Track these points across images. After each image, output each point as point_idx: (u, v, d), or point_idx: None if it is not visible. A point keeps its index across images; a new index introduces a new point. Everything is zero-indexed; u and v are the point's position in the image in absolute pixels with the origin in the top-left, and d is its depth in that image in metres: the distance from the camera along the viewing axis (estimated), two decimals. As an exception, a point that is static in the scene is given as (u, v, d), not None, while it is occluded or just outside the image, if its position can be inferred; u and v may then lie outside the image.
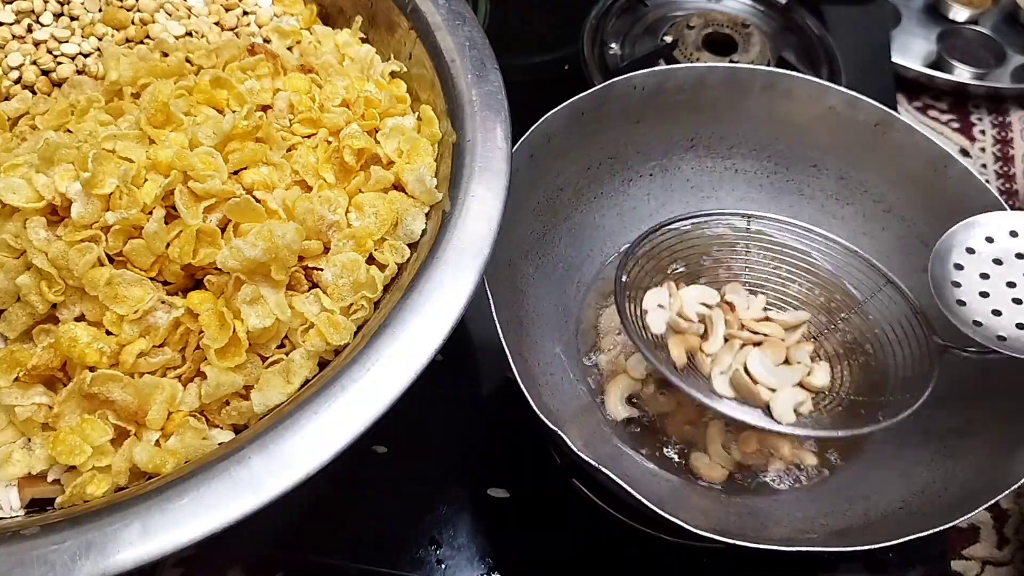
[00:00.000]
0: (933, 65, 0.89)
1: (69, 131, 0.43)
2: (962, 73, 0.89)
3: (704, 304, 0.54)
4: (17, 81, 0.48)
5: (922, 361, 0.50)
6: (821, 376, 0.51)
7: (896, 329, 0.52)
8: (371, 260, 0.42)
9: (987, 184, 0.55)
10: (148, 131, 0.42)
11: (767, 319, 0.55)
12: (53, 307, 0.39)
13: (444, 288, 0.38)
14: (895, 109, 0.71)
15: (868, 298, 0.55)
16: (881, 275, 0.53)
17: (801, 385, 0.50)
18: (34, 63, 0.49)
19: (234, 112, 0.44)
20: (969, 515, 0.42)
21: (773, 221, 0.56)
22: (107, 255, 0.39)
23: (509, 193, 0.43)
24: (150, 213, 0.39)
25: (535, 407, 0.44)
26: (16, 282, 0.38)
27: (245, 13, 0.55)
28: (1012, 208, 0.54)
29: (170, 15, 0.52)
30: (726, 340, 0.52)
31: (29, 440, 0.38)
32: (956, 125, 0.88)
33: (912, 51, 0.90)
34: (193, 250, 0.39)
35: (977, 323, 0.46)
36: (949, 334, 0.48)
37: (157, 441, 0.38)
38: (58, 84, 0.49)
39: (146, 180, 0.40)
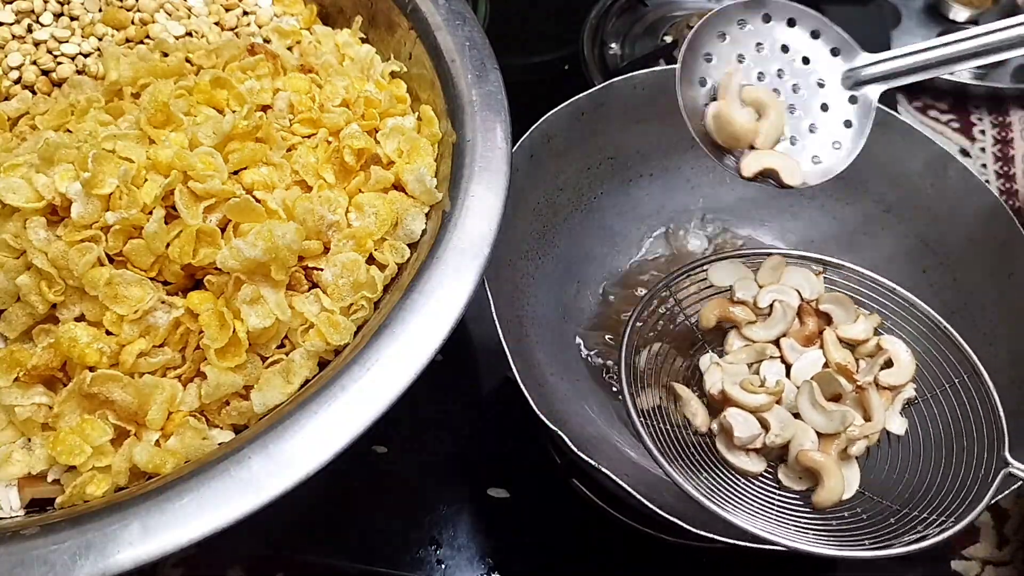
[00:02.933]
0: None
1: (69, 131, 0.43)
2: (962, 73, 0.88)
3: (798, 292, 0.48)
4: (17, 81, 0.48)
5: (975, 478, 0.43)
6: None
7: (957, 428, 0.45)
8: (371, 260, 0.42)
9: (987, 184, 0.55)
10: (148, 131, 0.42)
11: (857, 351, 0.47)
12: (53, 307, 0.39)
13: (444, 288, 0.38)
14: (895, 109, 0.71)
15: (940, 388, 0.47)
16: (967, 363, 0.45)
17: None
18: (34, 63, 0.49)
19: (234, 112, 0.44)
20: (970, 515, 0.42)
21: (850, 274, 0.50)
22: (107, 255, 0.39)
23: (509, 193, 0.43)
24: (150, 213, 0.39)
25: (535, 407, 0.44)
26: (16, 282, 0.38)
27: (245, 13, 0.55)
28: (1012, 209, 0.54)
29: (170, 15, 0.52)
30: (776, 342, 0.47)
31: (29, 440, 0.38)
32: (956, 125, 0.88)
33: (912, 51, 0.90)
34: (193, 250, 0.39)
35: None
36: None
37: (157, 441, 0.38)
38: (58, 84, 0.49)
39: (146, 180, 0.40)
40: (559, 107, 0.56)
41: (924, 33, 0.92)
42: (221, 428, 0.39)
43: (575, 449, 0.42)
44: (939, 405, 0.47)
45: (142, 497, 0.32)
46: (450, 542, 0.54)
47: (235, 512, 0.32)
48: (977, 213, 0.55)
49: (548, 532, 0.55)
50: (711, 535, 0.40)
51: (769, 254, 0.51)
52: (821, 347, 0.49)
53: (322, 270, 0.41)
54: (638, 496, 0.41)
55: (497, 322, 0.46)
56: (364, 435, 0.34)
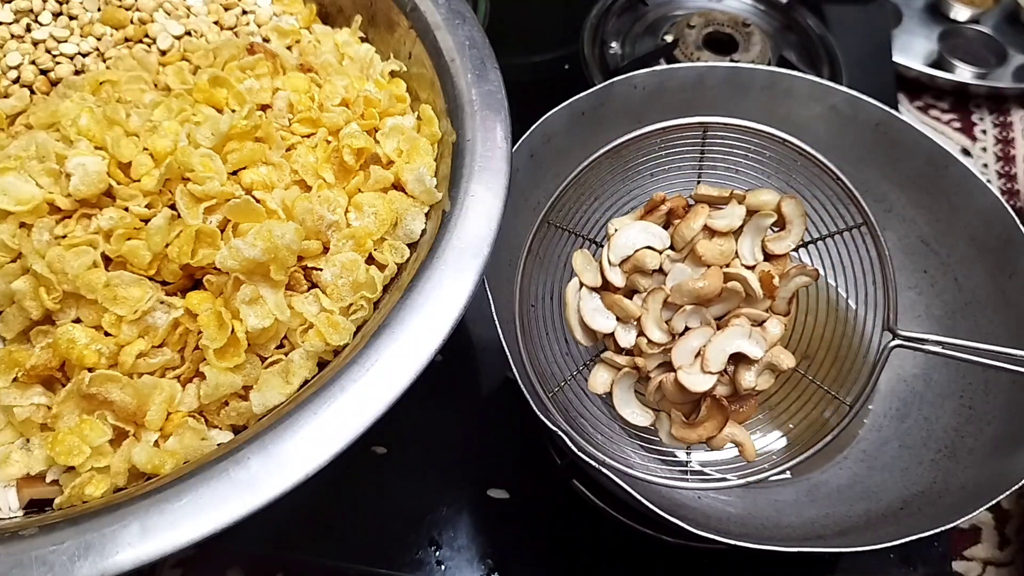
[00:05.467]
0: (934, 65, 0.89)
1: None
2: (963, 73, 0.88)
3: (651, 248, 0.44)
4: (16, 80, 0.48)
5: (864, 351, 0.43)
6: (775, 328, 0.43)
7: (846, 297, 0.45)
8: (370, 260, 0.42)
9: (988, 184, 0.55)
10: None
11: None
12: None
13: (444, 288, 0.38)
14: (896, 109, 0.70)
15: (833, 233, 0.45)
16: (860, 213, 0.44)
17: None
18: (33, 63, 0.49)
19: (233, 111, 0.44)
20: (970, 516, 0.42)
21: (735, 128, 0.45)
22: (105, 257, 0.39)
23: (509, 193, 0.42)
24: (149, 207, 0.39)
25: (535, 407, 0.44)
26: (11, 287, 0.38)
27: (244, 12, 0.55)
28: (1013, 209, 0.53)
29: (169, 14, 0.52)
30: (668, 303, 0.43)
31: (28, 440, 0.38)
32: (957, 125, 0.88)
33: (913, 50, 0.90)
34: (192, 250, 0.39)
35: None
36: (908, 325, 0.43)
37: (156, 442, 0.38)
38: (56, 84, 0.49)
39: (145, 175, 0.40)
40: (559, 107, 0.56)
41: (925, 32, 0.92)
42: (220, 428, 0.39)
43: (575, 449, 0.42)
44: (834, 263, 0.46)
45: (141, 498, 0.32)
46: (450, 543, 0.54)
47: (234, 513, 0.31)
48: (978, 213, 0.55)
49: (548, 532, 0.55)
50: (711, 535, 0.40)
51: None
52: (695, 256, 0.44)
53: (321, 270, 0.41)
54: (638, 497, 0.41)
55: (497, 322, 0.46)
56: (364, 435, 0.34)
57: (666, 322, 0.44)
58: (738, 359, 0.43)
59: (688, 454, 0.45)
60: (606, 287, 0.45)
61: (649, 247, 0.45)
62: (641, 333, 0.44)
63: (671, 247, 0.45)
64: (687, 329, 0.44)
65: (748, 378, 0.42)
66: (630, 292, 0.46)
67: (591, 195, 0.48)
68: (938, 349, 0.42)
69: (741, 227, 0.45)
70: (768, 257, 0.45)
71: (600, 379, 0.45)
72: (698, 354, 0.43)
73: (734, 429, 0.43)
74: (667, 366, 0.44)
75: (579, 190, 0.47)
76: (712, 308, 0.44)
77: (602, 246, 0.46)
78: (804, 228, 0.45)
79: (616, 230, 0.45)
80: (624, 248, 0.45)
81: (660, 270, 0.45)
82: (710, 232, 0.44)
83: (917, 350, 0.43)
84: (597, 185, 0.47)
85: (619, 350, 0.45)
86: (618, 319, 0.45)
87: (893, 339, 0.43)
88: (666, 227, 0.46)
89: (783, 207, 0.45)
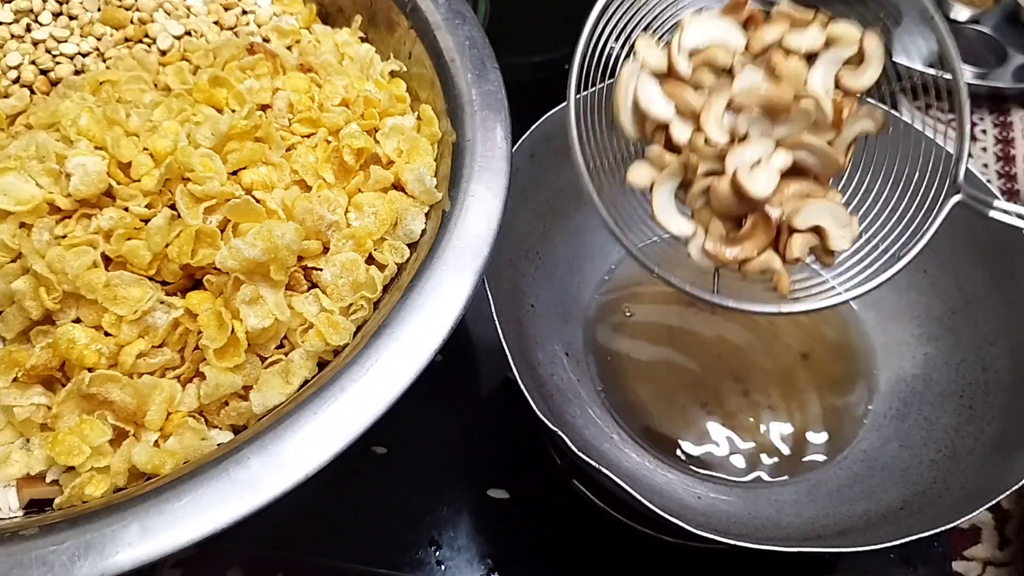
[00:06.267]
0: (934, 65, 0.89)
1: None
2: (963, 73, 0.88)
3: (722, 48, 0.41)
4: (16, 80, 0.48)
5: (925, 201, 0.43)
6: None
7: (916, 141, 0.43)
8: (370, 260, 0.42)
9: (988, 184, 0.55)
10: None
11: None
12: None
13: (444, 288, 0.38)
14: (896, 109, 0.70)
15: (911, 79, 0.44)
16: (942, 59, 0.44)
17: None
18: (33, 63, 0.49)
19: (233, 111, 0.44)
20: (970, 516, 0.42)
21: None
22: (106, 257, 0.39)
23: (509, 193, 0.42)
24: (148, 207, 0.39)
25: (535, 407, 0.44)
26: (11, 287, 0.38)
27: (244, 12, 0.55)
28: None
29: (169, 14, 0.52)
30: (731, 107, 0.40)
31: (28, 440, 0.38)
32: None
33: (913, 50, 0.90)
34: (192, 250, 0.39)
35: None
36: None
37: (156, 442, 0.38)
38: (56, 84, 0.49)
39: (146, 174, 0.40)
40: (559, 107, 0.56)
41: (925, 32, 0.92)
42: (220, 428, 0.39)
43: (575, 450, 0.42)
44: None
45: (141, 498, 0.32)
46: (450, 543, 0.54)
47: (234, 513, 0.31)
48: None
49: (548, 532, 0.55)
50: (711, 535, 0.40)
51: None
52: (768, 68, 0.42)
53: (321, 270, 0.41)
54: (638, 496, 0.41)
55: (497, 322, 0.46)
56: (364, 435, 0.34)
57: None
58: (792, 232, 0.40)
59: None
60: (670, 74, 0.42)
61: (723, 45, 0.42)
62: (699, 129, 0.41)
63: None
64: (746, 137, 0.41)
65: (799, 245, 0.40)
66: (693, 89, 0.42)
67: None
68: (999, 215, 0.42)
69: (815, 56, 0.42)
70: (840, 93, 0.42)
71: (641, 174, 0.42)
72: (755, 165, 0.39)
73: (772, 256, 0.40)
74: (718, 174, 0.41)
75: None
76: (776, 129, 0.41)
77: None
78: (881, 70, 0.43)
79: (690, 23, 0.42)
80: (697, 37, 0.42)
81: (729, 73, 0.42)
82: (786, 53, 0.42)
83: (978, 212, 0.42)
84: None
85: (669, 147, 0.42)
86: (676, 111, 0.42)
87: (957, 193, 0.42)
88: None
89: (865, 42, 0.42)
